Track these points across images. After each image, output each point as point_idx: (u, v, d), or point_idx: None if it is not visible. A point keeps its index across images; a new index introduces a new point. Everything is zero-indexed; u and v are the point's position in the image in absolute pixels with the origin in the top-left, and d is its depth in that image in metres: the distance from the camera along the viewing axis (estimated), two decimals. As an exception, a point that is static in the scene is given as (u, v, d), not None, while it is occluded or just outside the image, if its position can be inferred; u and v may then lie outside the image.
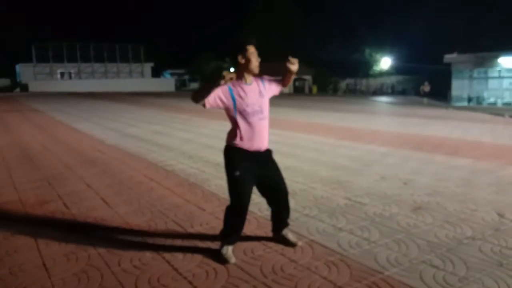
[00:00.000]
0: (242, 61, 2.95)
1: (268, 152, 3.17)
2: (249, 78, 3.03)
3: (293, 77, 3.16)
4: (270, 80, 3.20)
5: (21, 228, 3.85)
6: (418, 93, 37.73)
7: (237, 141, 3.02)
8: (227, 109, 3.01)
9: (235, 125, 3.03)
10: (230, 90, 2.95)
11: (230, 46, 3.04)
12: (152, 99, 28.81)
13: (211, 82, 2.77)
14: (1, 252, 3.33)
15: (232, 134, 3.06)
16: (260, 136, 3.03)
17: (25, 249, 3.39)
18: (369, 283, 2.70)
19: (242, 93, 2.97)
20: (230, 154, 3.06)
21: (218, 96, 2.90)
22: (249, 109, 2.97)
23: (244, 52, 2.94)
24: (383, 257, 3.09)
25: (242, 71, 2.99)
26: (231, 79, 2.71)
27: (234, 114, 2.99)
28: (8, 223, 4.03)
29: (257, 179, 3.10)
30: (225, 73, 2.68)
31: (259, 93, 3.06)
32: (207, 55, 57.52)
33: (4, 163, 7.11)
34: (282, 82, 3.21)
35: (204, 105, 2.89)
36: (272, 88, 3.19)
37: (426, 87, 28.78)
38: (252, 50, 2.96)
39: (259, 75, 3.12)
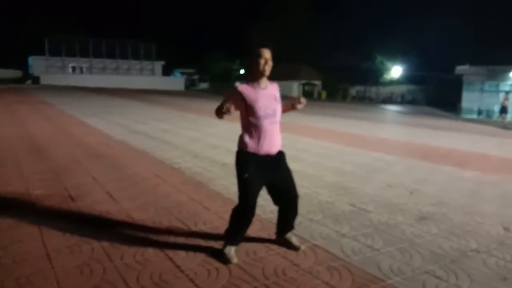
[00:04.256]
0: (252, 63, 3.01)
1: (279, 155, 3.17)
2: (263, 81, 3.05)
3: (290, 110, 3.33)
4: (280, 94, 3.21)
5: (27, 218, 3.88)
6: (429, 102, 37.46)
7: (247, 144, 3.02)
8: (241, 111, 3.04)
9: (245, 127, 3.05)
10: (242, 93, 2.98)
11: (245, 52, 3.11)
12: (161, 97, 28.93)
13: (220, 110, 2.96)
14: (6, 241, 3.36)
15: (242, 137, 3.07)
16: (270, 139, 3.03)
17: (29, 239, 3.42)
18: (371, 290, 2.69)
19: (253, 95, 2.98)
20: (240, 157, 3.07)
21: (234, 103, 2.94)
22: (261, 112, 2.98)
23: (254, 54, 2.99)
24: (386, 265, 3.07)
25: (254, 72, 3.02)
26: (228, 110, 2.89)
27: (246, 116, 3.02)
28: (14, 212, 4.06)
29: (267, 182, 3.11)
30: (225, 107, 2.89)
31: (274, 97, 3.08)
32: (217, 55, 57.69)
33: (13, 153, 7.17)
34: (283, 109, 3.24)
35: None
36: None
37: (506, 100, 20.55)
38: (261, 53, 2.97)
39: (274, 73, 3.18)
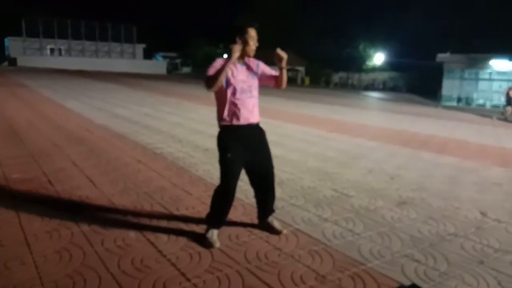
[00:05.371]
0: (239, 42, 2.98)
1: (260, 131, 3.20)
2: (243, 59, 3.08)
3: (285, 75, 3.16)
4: (266, 69, 3.20)
5: (4, 203, 3.79)
6: (410, 90, 37.86)
7: (226, 118, 3.04)
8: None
9: (223, 101, 3.05)
10: None
11: (231, 28, 3.07)
12: (143, 81, 28.49)
13: (223, 65, 2.89)
14: (-18, 226, 3.28)
15: (220, 112, 3.08)
16: (247, 111, 3.06)
17: (6, 224, 3.34)
18: (351, 273, 2.73)
19: (234, 71, 3.02)
20: (223, 135, 3.09)
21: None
22: (238, 87, 3.01)
23: (243, 34, 2.99)
24: (366, 249, 3.11)
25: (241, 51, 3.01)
26: (239, 50, 2.91)
27: (224, 91, 3.01)
28: (-10, 197, 3.96)
29: (246, 161, 3.12)
30: (235, 47, 2.88)
31: (249, 73, 3.10)
32: (200, 40, 56.92)
33: (-11, 136, 6.98)
34: (276, 80, 3.19)
35: (219, 85, 2.94)
36: (265, 76, 3.19)
37: None
38: (251, 33, 3.00)
39: (256, 59, 3.18)
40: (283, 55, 3.05)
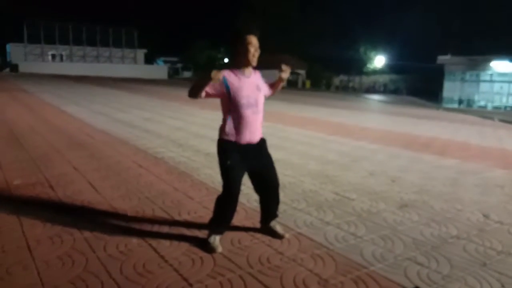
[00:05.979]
0: (239, 50, 2.91)
1: (261, 142, 3.14)
2: (248, 70, 2.99)
3: (282, 85, 3.22)
4: (264, 81, 3.18)
5: (6, 208, 3.79)
6: (411, 92, 37.89)
7: (228, 134, 2.98)
8: (222, 99, 2.99)
9: (227, 116, 2.99)
10: (224, 79, 2.89)
11: (230, 35, 3.00)
12: (144, 86, 28.57)
13: (202, 80, 2.80)
14: (-16, 232, 3.28)
15: (223, 126, 3.02)
16: (251, 129, 2.99)
17: (8, 229, 3.34)
18: (354, 277, 2.72)
19: (237, 84, 2.92)
20: (222, 145, 3.03)
21: (212, 86, 2.88)
22: (244, 101, 2.92)
23: (243, 41, 2.89)
24: (369, 252, 3.10)
25: (240, 60, 2.95)
26: (218, 79, 2.77)
27: (228, 104, 2.95)
28: (-8, 203, 3.96)
29: (248, 169, 3.10)
30: (213, 73, 2.73)
31: (256, 86, 3.02)
32: (201, 44, 57.13)
33: (-10, 142, 6.99)
34: (272, 89, 3.24)
35: (200, 97, 2.89)
36: (265, 87, 3.18)
37: None
38: (250, 40, 2.89)
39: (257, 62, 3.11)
40: (288, 70, 3.09)
